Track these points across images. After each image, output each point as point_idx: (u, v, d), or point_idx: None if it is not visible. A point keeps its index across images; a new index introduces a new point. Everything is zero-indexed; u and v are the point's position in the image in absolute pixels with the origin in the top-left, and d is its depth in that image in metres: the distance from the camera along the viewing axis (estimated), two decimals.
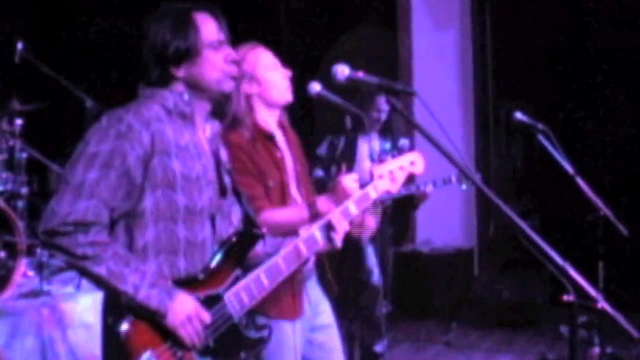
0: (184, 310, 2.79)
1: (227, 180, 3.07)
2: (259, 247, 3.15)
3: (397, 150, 5.92)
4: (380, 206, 6.01)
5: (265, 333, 3.09)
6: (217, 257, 2.94)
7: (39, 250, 5.81)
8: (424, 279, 8.54)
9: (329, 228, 3.26)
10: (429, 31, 9.33)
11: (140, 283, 2.72)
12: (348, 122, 4.09)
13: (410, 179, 6.14)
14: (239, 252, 3.01)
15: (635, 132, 8.58)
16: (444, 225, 8.79)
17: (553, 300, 7.79)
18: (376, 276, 6.18)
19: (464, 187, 6.16)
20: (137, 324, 2.76)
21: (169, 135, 2.84)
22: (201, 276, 2.90)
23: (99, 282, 2.74)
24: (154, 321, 2.77)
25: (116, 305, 2.75)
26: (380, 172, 3.48)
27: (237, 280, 2.98)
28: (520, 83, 9.10)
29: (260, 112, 3.64)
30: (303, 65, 4.55)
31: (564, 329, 7.32)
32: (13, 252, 5.54)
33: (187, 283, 2.86)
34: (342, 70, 3.14)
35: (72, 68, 7.32)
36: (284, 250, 3.14)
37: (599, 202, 5.22)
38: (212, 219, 2.96)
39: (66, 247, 2.71)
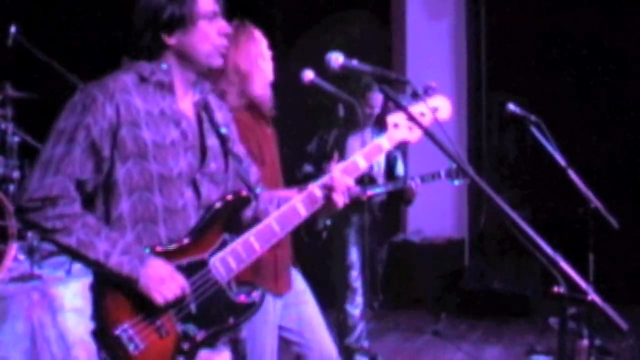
0: (156, 274, 2.77)
1: (211, 142, 3.00)
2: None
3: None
4: (366, 203, 5.94)
5: (256, 297, 3.01)
6: (201, 223, 2.91)
7: (29, 235, 5.80)
8: (414, 268, 8.57)
9: (329, 187, 3.13)
10: (423, 21, 9.33)
11: (112, 250, 2.72)
12: (340, 110, 4.07)
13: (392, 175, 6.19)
14: (227, 216, 2.96)
15: (630, 124, 8.60)
16: (435, 215, 8.82)
17: (544, 292, 7.83)
18: (354, 275, 6.15)
19: (456, 182, 6.08)
20: (113, 295, 2.75)
21: (137, 105, 2.81)
22: (184, 243, 2.87)
23: (71, 253, 2.75)
24: (129, 290, 2.75)
25: (98, 277, 2.77)
26: (396, 120, 3.28)
27: (224, 244, 2.94)
28: (514, 74, 9.11)
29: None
30: (297, 55, 4.56)
31: (553, 321, 7.35)
32: (4, 236, 5.54)
33: (168, 251, 2.83)
34: (336, 58, 3.11)
35: (65, 52, 7.27)
36: (278, 211, 3.06)
37: (590, 195, 5.22)
38: (194, 184, 2.91)
39: (36, 222, 2.73)
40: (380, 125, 6.15)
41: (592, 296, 2.35)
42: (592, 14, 8.69)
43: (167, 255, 2.82)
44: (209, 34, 2.90)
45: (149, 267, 2.76)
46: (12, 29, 6.12)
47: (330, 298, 5.30)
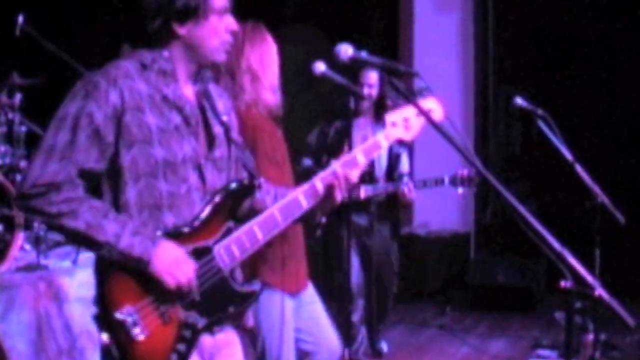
0: (169, 257, 2.74)
1: (217, 131, 3.00)
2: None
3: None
4: (364, 204, 5.90)
5: (256, 287, 3.01)
6: (207, 209, 2.88)
7: (36, 224, 5.81)
8: (420, 262, 8.56)
9: (330, 181, 3.14)
10: (431, 14, 9.32)
11: (122, 232, 2.70)
12: (352, 102, 4.05)
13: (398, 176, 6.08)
14: (231, 204, 2.95)
15: (637, 119, 8.58)
16: (441, 208, 8.79)
17: (550, 286, 7.83)
18: (354, 280, 6.02)
19: (460, 190, 5.92)
20: (120, 278, 2.72)
21: (141, 90, 2.80)
22: (188, 229, 2.84)
23: (78, 236, 2.71)
24: (137, 273, 2.73)
25: (103, 261, 2.73)
26: (394, 119, 3.31)
27: (228, 232, 2.92)
28: (522, 68, 9.11)
29: None
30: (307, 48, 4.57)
31: (558, 315, 7.34)
32: (10, 225, 5.55)
33: (174, 236, 2.81)
34: (345, 50, 3.12)
35: (73, 42, 7.30)
36: (281, 202, 3.05)
37: (597, 190, 5.22)
38: (199, 169, 2.90)
39: (40, 207, 2.70)
40: (379, 113, 6.06)
41: (599, 291, 2.35)
42: (601, 8, 8.67)
43: (174, 240, 2.80)
44: (219, 29, 2.89)
45: (161, 248, 2.73)
46: (20, 19, 6.12)
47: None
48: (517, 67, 9.16)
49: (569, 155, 5.13)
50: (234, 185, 2.96)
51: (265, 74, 3.72)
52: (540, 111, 5.21)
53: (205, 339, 2.89)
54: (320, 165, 5.53)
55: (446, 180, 5.86)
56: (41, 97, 6.41)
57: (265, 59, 3.75)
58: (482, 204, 9.21)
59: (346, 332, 5.24)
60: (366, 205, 5.92)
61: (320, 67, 3.59)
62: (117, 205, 2.80)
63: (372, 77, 5.77)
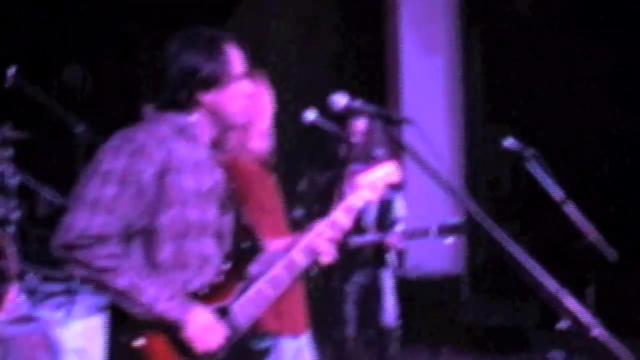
0: (201, 322, 2.82)
1: (227, 197, 3.07)
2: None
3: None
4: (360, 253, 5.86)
5: (268, 343, 3.10)
6: (223, 271, 2.97)
7: (29, 276, 5.81)
8: (412, 305, 8.55)
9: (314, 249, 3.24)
10: (418, 56, 9.38)
11: (160, 295, 2.75)
12: (343, 149, 4.06)
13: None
14: (241, 265, 3.03)
15: (627, 157, 8.63)
16: (432, 251, 8.79)
17: (544, 326, 7.83)
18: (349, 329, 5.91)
19: (448, 241, 5.70)
20: (153, 339, 2.78)
21: (182, 153, 2.87)
22: (208, 290, 2.92)
23: (118, 294, 2.75)
24: (170, 335, 2.79)
25: (129, 321, 2.77)
26: (362, 182, 3.44)
27: (242, 292, 3.00)
28: (510, 106, 9.16)
29: None
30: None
31: (554, 354, 7.33)
32: (3, 277, 5.55)
33: (198, 297, 2.88)
34: (339, 100, 3.16)
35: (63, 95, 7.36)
36: (283, 261, 3.13)
37: (587, 228, 5.23)
38: (218, 233, 2.99)
39: (84, 260, 2.72)
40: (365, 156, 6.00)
41: (597, 331, 2.37)
42: (594, 43, 8.73)
43: (199, 301, 2.87)
44: (239, 95, 2.99)
45: (192, 313, 2.81)
46: (11, 70, 6.15)
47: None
48: (506, 105, 9.21)
49: (558, 195, 5.15)
50: (244, 247, 3.06)
51: (257, 122, 3.75)
52: (528, 151, 5.23)
53: None
54: (311, 214, 5.46)
55: (434, 230, 5.61)
56: (33, 147, 6.46)
57: (258, 105, 3.78)
58: (473, 245, 9.23)
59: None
60: (357, 255, 5.83)
61: (310, 115, 3.62)
62: (152, 263, 2.84)
63: (361, 124, 5.61)
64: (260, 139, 3.78)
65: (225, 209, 3.04)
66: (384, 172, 3.44)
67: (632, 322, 7.39)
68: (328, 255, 3.23)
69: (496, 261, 8.72)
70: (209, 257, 2.94)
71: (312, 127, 3.59)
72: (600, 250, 5.29)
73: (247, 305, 2.99)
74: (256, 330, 3.09)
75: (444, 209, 7.17)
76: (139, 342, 2.76)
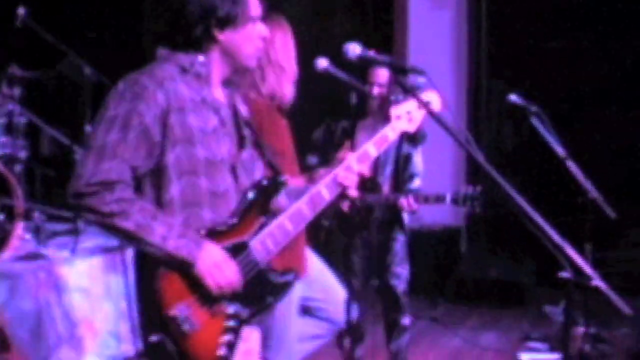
0: (212, 259, 2.89)
1: (246, 132, 3.15)
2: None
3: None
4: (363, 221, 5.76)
5: (290, 277, 3.18)
6: (242, 207, 3.04)
7: (36, 214, 5.87)
8: (413, 255, 8.60)
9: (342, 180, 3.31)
10: (425, 11, 9.38)
11: (168, 234, 2.83)
12: (353, 99, 4.04)
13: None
14: (263, 200, 3.09)
15: (631, 115, 8.66)
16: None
17: (540, 280, 7.93)
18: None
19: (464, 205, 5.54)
20: (168, 277, 2.87)
21: (184, 92, 2.94)
22: (226, 226, 2.99)
23: (128, 236, 2.84)
24: (184, 272, 2.87)
25: (148, 260, 2.86)
26: (398, 112, 3.48)
27: (262, 227, 3.07)
28: (515, 63, 9.17)
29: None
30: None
31: (548, 309, 7.45)
32: (11, 215, 5.62)
33: (214, 233, 2.95)
34: (353, 48, 3.21)
35: (73, 34, 7.34)
36: (306, 196, 3.19)
37: (588, 185, 5.30)
38: (233, 170, 3.05)
39: (94, 206, 2.81)
40: (387, 111, 5.93)
41: (597, 282, 2.44)
42: (594, 3, 8.73)
43: (214, 237, 2.95)
44: (254, 37, 3.05)
45: (204, 251, 2.89)
46: (21, 11, 6.17)
47: None
48: (511, 62, 9.22)
49: (561, 152, 5.21)
50: (264, 182, 3.12)
51: (288, 67, 3.84)
52: (533, 107, 5.28)
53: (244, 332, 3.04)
54: (326, 163, 5.41)
55: (448, 198, 5.48)
56: (41, 88, 6.50)
57: (289, 52, 3.87)
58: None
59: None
60: (370, 214, 5.77)
61: (322, 62, 3.65)
62: (161, 202, 2.93)
63: (383, 75, 5.55)
64: (290, 85, 3.87)
65: (243, 144, 3.12)
66: (424, 102, 3.37)
67: (627, 281, 7.48)
68: (353, 189, 3.30)
69: (496, 214, 8.76)
70: (223, 192, 3.00)
71: (325, 75, 3.60)
72: (600, 208, 5.37)
73: (266, 241, 3.06)
74: (276, 266, 3.16)
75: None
76: (156, 280, 2.85)
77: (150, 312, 2.88)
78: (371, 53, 3.20)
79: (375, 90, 5.50)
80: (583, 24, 8.85)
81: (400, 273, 5.74)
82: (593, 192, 5.33)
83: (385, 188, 5.71)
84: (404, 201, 5.48)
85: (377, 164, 5.39)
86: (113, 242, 5.52)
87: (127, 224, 2.81)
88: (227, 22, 2.98)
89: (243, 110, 3.21)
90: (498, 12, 9.30)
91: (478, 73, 9.34)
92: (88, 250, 5.86)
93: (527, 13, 9.05)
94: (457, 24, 9.33)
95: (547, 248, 2.61)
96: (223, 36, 3.00)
